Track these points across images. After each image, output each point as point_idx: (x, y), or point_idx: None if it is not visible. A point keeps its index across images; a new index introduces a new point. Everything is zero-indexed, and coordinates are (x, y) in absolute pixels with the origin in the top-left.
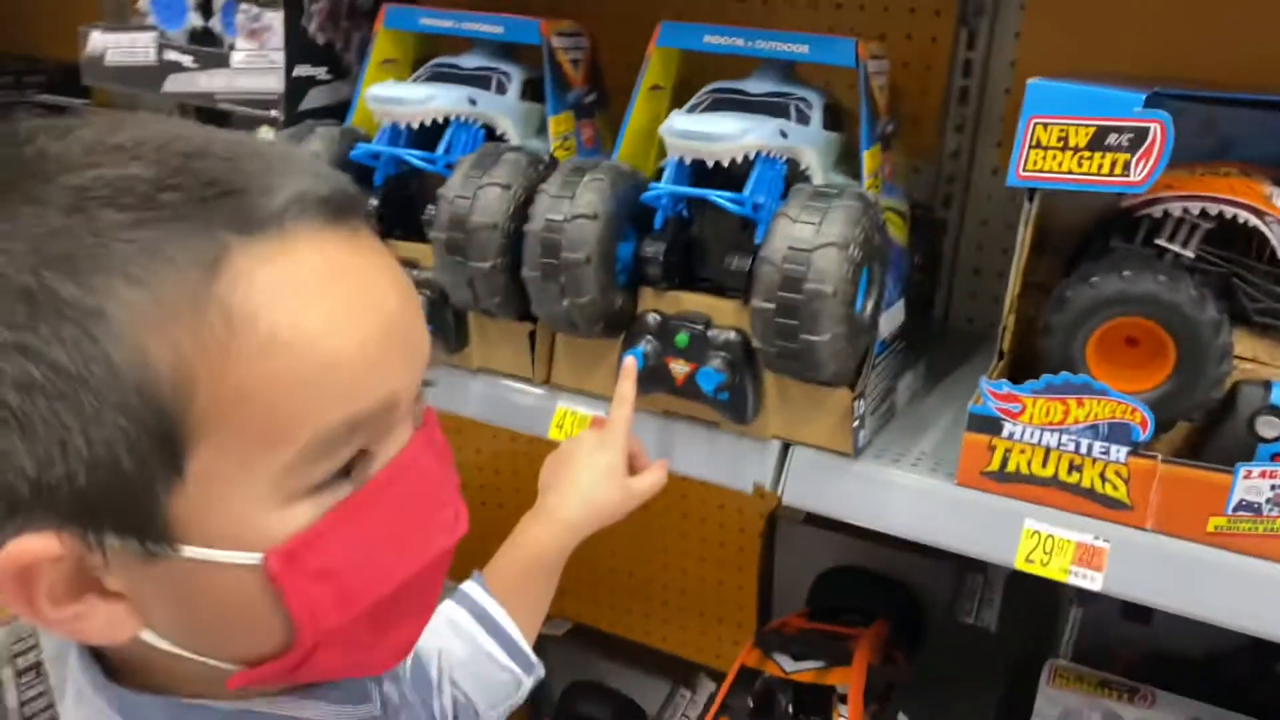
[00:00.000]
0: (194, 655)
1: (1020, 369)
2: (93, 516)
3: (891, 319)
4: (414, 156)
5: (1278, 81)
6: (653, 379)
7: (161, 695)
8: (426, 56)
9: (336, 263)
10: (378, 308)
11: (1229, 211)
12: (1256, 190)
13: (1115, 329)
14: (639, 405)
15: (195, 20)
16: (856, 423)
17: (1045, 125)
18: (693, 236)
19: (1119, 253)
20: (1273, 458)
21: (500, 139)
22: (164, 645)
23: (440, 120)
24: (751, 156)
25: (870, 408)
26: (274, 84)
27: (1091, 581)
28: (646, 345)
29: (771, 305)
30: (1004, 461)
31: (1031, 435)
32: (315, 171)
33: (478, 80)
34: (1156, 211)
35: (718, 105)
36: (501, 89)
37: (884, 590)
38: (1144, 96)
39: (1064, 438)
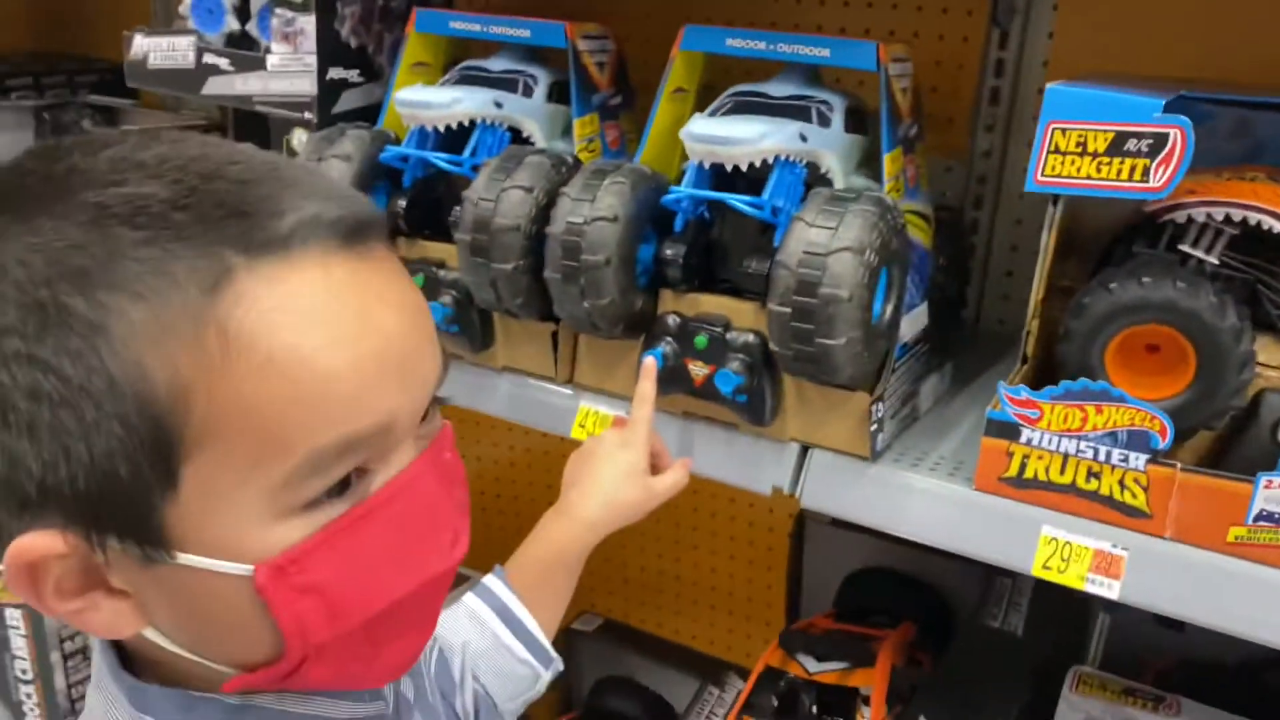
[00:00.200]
0: (191, 656)
1: (1047, 374)
2: (94, 519)
3: (913, 322)
4: (440, 159)
5: None
6: (672, 380)
7: (171, 687)
8: (457, 59)
9: (340, 285)
10: (377, 331)
11: (1253, 217)
12: None
13: (1135, 336)
14: (659, 406)
15: (233, 24)
16: (874, 426)
17: (1064, 130)
18: (713, 239)
19: (1140, 258)
20: None
21: (526, 141)
22: (164, 644)
23: (467, 123)
24: (771, 160)
25: (890, 411)
26: (308, 87)
27: (1109, 589)
28: (666, 346)
29: (787, 309)
30: (1022, 467)
31: (1050, 441)
32: (330, 194)
33: (504, 83)
34: (1180, 217)
35: (739, 108)
36: (528, 92)
37: (911, 592)
38: (1163, 102)
39: (1082, 444)
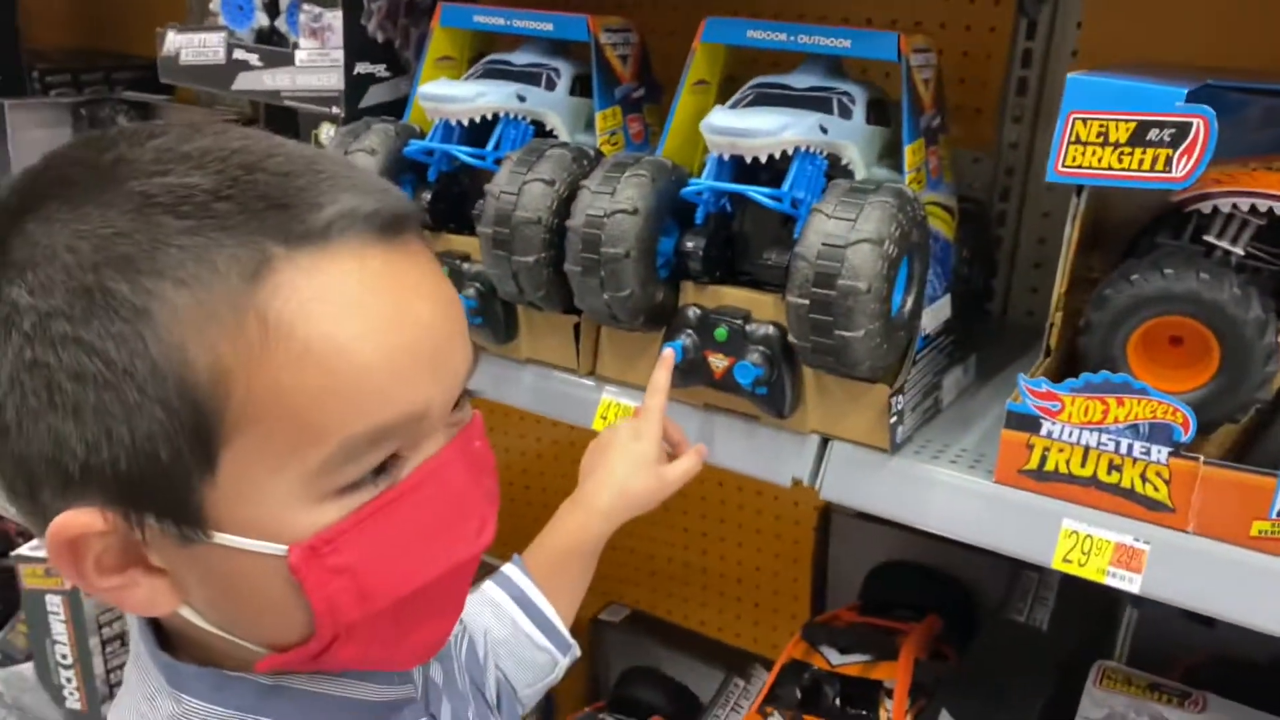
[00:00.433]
0: (226, 635)
1: (1074, 367)
2: (134, 499)
3: (935, 314)
4: (463, 153)
5: None
6: (692, 372)
7: (207, 666)
8: (482, 53)
9: (376, 277)
10: (411, 323)
11: None
12: None
13: (1158, 328)
14: (679, 397)
15: (262, 20)
16: (894, 418)
17: (1085, 120)
18: (734, 231)
19: (1164, 249)
20: None
21: (549, 135)
22: (199, 622)
23: (490, 117)
24: (790, 152)
25: (911, 403)
26: (335, 82)
27: (1130, 583)
28: (686, 339)
29: (806, 301)
30: (1043, 460)
31: (1071, 434)
32: (367, 188)
33: (528, 77)
34: (1205, 207)
35: (761, 100)
36: (551, 85)
37: (936, 586)
38: (1186, 91)
39: (1104, 437)
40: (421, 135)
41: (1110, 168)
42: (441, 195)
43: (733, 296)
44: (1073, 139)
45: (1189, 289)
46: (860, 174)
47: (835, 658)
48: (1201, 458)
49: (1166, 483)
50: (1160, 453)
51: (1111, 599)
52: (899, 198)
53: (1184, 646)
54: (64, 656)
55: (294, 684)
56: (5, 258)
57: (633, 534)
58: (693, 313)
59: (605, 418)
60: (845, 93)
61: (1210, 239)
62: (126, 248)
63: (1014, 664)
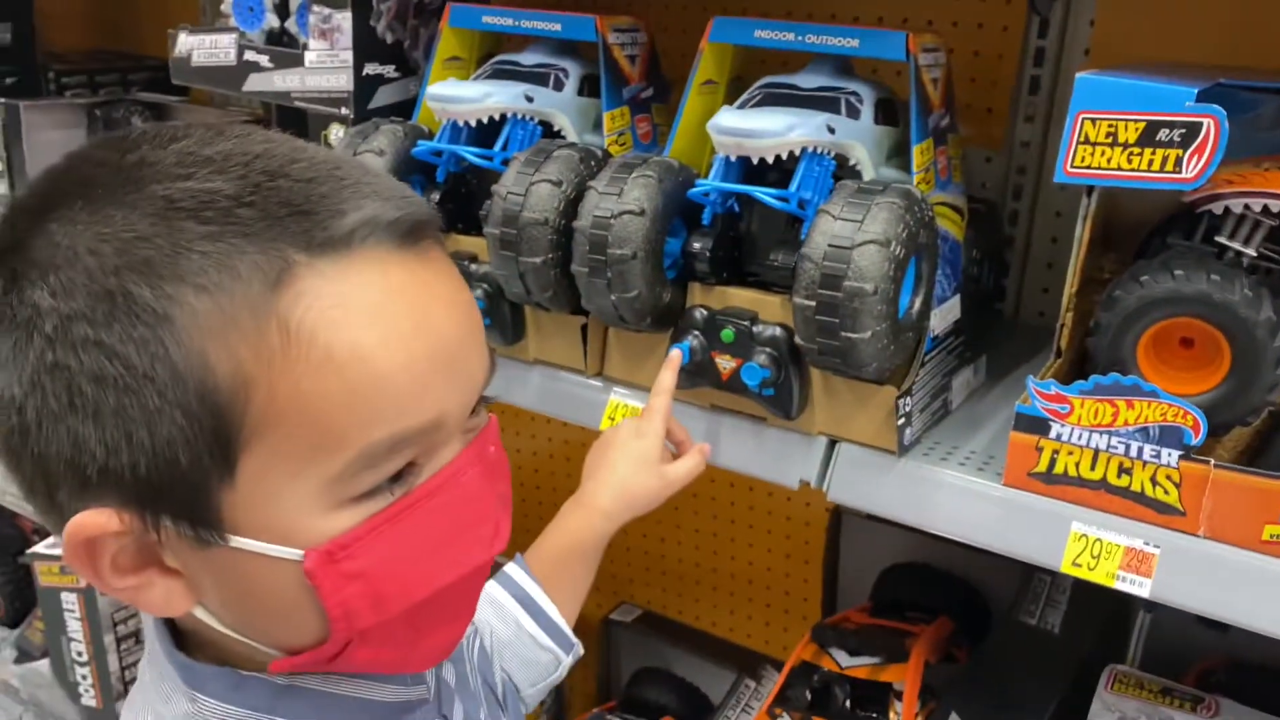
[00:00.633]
0: (240, 636)
1: (1085, 368)
2: (152, 501)
3: (944, 315)
4: (471, 154)
5: None
6: (699, 373)
7: (222, 665)
8: (491, 54)
9: (397, 285)
10: (431, 331)
11: None
12: None
13: (1168, 329)
14: (686, 398)
15: (273, 21)
16: (902, 420)
17: (1094, 120)
18: (742, 232)
19: (1175, 250)
20: None
21: (558, 135)
22: (214, 623)
23: (498, 117)
24: (797, 153)
25: (919, 404)
26: (344, 82)
27: (1140, 587)
28: (693, 340)
29: (812, 303)
30: (1051, 463)
31: (1080, 437)
32: (389, 195)
33: (536, 77)
34: (1217, 208)
35: (768, 100)
36: (559, 85)
37: (948, 588)
38: (1196, 91)
39: (1113, 440)
40: (430, 136)
41: (1119, 168)
42: (449, 196)
43: (740, 298)
44: (1081, 139)
45: (1199, 290)
46: (868, 174)
47: (845, 659)
48: (1212, 461)
49: (1177, 486)
50: (1170, 456)
51: (1124, 603)
52: (906, 198)
53: (1197, 651)
54: (79, 653)
55: (308, 684)
56: (27, 256)
57: (645, 535)
58: (700, 314)
59: (612, 418)
60: (853, 93)
61: (1222, 240)
62: (148, 252)
63: (1025, 667)
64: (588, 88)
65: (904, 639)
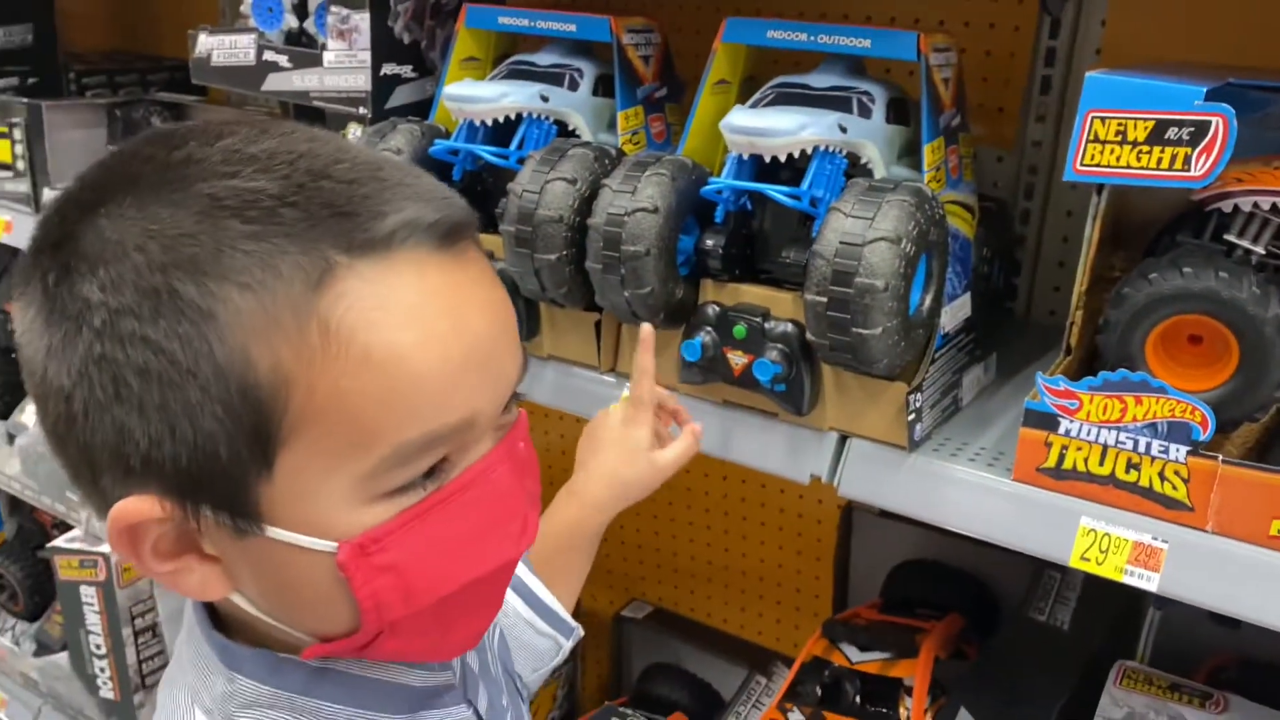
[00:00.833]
0: (274, 622)
1: (1095, 365)
2: (192, 491)
3: (954, 313)
4: (487, 152)
5: None
6: (711, 369)
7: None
8: (507, 54)
9: (434, 286)
10: (466, 331)
11: None
12: None
13: (1177, 326)
14: (699, 394)
15: (291, 22)
16: (913, 416)
17: (1103, 119)
18: (754, 229)
19: (1183, 248)
20: None
21: (572, 134)
22: (249, 608)
23: (514, 117)
24: (809, 151)
25: (929, 401)
26: (362, 82)
27: (1148, 582)
28: (705, 336)
29: (823, 299)
30: (1060, 458)
31: (1089, 432)
32: (429, 196)
33: (551, 77)
34: (1226, 206)
35: (781, 100)
36: (574, 85)
37: (958, 585)
38: (1205, 89)
39: (1122, 436)
40: (446, 135)
41: (1129, 166)
42: (466, 194)
43: (752, 294)
44: (1091, 137)
45: (1207, 287)
46: (879, 173)
47: (855, 655)
48: (1220, 456)
49: (1185, 481)
50: (1179, 451)
51: (1134, 600)
52: (917, 196)
53: (1207, 648)
54: (98, 646)
55: (341, 668)
56: (77, 249)
57: (656, 532)
58: (712, 310)
59: None
60: (865, 92)
61: (1231, 238)
62: (193, 249)
63: (1034, 663)
64: (602, 88)
65: (914, 635)
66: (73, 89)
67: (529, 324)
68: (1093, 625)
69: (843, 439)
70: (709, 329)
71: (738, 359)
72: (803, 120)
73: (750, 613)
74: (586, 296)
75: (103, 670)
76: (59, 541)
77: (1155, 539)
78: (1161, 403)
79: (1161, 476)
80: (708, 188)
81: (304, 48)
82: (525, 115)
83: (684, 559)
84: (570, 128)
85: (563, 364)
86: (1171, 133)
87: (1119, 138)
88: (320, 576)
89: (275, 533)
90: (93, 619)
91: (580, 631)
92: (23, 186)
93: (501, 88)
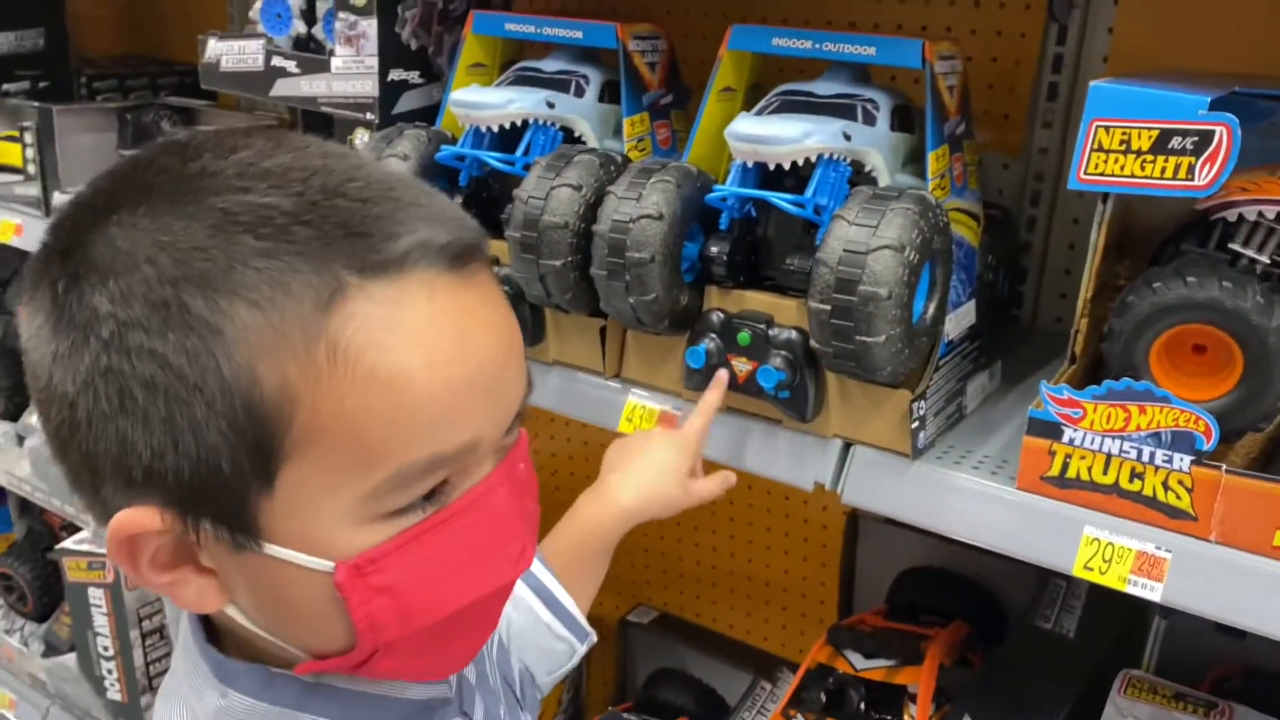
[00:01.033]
0: (268, 637)
1: (1100, 374)
2: (193, 504)
3: (959, 320)
4: (493, 158)
5: None
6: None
7: (252, 662)
8: (513, 60)
9: (444, 309)
10: (473, 355)
11: None
12: None
13: (1181, 335)
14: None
15: (300, 28)
16: (916, 423)
17: (1107, 128)
18: (758, 236)
19: (1188, 257)
20: None
21: (578, 141)
22: (245, 622)
23: (520, 123)
24: (814, 159)
25: (933, 408)
26: (369, 88)
27: (1151, 591)
28: (710, 343)
29: (827, 307)
30: (1064, 467)
31: (1092, 441)
32: (441, 218)
33: (557, 84)
34: (1231, 215)
35: (785, 107)
36: (580, 92)
37: (964, 592)
38: (1209, 99)
39: (1125, 445)
40: (453, 141)
41: (1132, 175)
42: (472, 200)
43: (756, 301)
44: (1095, 146)
45: (1211, 297)
46: (884, 180)
47: (860, 662)
48: (1224, 466)
49: (1189, 491)
50: (1182, 461)
51: (1139, 609)
52: (921, 204)
53: (1212, 658)
54: (105, 648)
55: (336, 683)
56: (86, 256)
57: (662, 537)
58: (716, 317)
59: (630, 420)
60: (870, 99)
61: (1235, 247)
62: (204, 264)
63: (1039, 671)
64: (608, 94)
65: (919, 642)
66: (83, 93)
67: (534, 330)
68: (1098, 634)
69: (846, 446)
70: (713, 336)
71: (742, 366)
72: (807, 128)
73: (756, 618)
74: (591, 302)
75: (110, 672)
76: (67, 543)
77: (1159, 549)
78: (1165, 412)
79: (1165, 486)
80: (713, 195)
81: (312, 53)
82: (531, 121)
83: (690, 564)
84: (576, 134)
85: (567, 369)
86: (1175, 142)
87: (1123, 147)
88: (317, 594)
89: (273, 549)
90: (100, 621)
91: (594, 637)
92: (33, 190)
93: (508, 94)
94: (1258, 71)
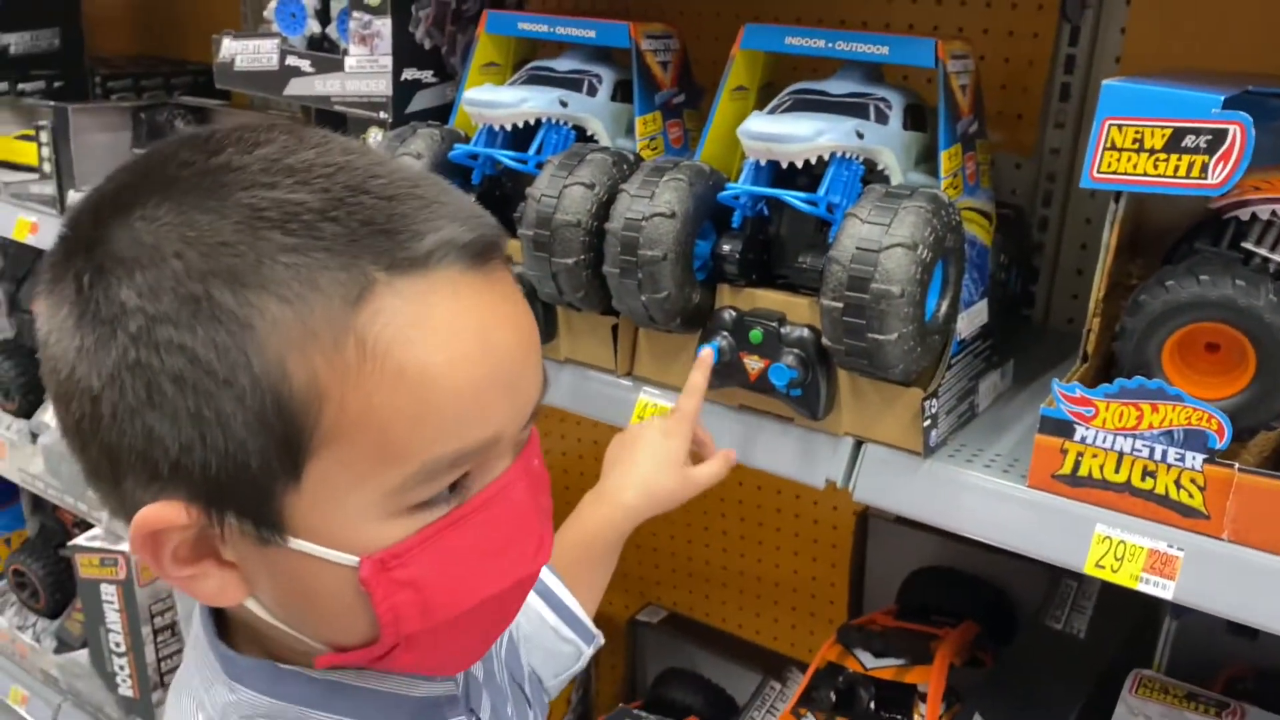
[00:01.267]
0: (287, 630)
1: (1112, 373)
2: (218, 499)
3: (971, 319)
4: (506, 157)
5: None
6: (727, 374)
7: (264, 658)
8: (527, 60)
9: (467, 306)
10: (495, 352)
11: None
12: None
13: (1194, 334)
14: (714, 398)
15: (314, 27)
16: (928, 422)
17: (1120, 127)
18: (771, 235)
19: (1201, 256)
20: None
21: (591, 140)
22: (264, 616)
23: (533, 122)
24: (826, 157)
25: (945, 407)
26: (383, 87)
27: (1163, 590)
28: (722, 340)
29: (839, 304)
30: (1076, 465)
31: (1104, 440)
32: (464, 216)
33: (570, 83)
34: (1244, 214)
35: (798, 106)
36: (593, 91)
37: (974, 591)
38: (1223, 97)
39: (1137, 443)
40: (466, 140)
41: (1146, 174)
42: (485, 198)
43: (768, 299)
44: (1108, 145)
45: (1224, 295)
46: (896, 179)
47: (870, 661)
48: (1237, 465)
49: (1201, 489)
50: (1195, 459)
51: (1151, 609)
52: (933, 203)
53: (1224, 658)
54: (117, 644)
55: (344, 679)
56: (112, 252)
57: (672, 537)
58: (728, 315)
59: (641, 418)
60: (882, 98)
61: (1248, 246)
62: (233, 260)
63: (1050, 671)
64: (621, 93)
65: (929, 641)
66: (98, 92)
67: (546, 328)
68: (1109, 634)
69: (858, 444)
70: (725, 334)
71: (754, 364)
72: (820, 126)
73: (765, 618)
74: (604, 301)
75: (122, 668)
76: (80, 540)
77: (1171, 547)
78: (1178, 410)
79: (1177, 484)
80: (725, 193)
81: (326, 53)
82: (544, 120)
83: (699, 564)
84: (589, 133)
85: (579, 368)
86: (1189, 140)
87: (1136, 145)
88: (340, 588)
89: (298, 544)
90: (113, 617)
91: (601, 639)
92: (49, 189)
93: (521, 93)
94: (1271, 71)
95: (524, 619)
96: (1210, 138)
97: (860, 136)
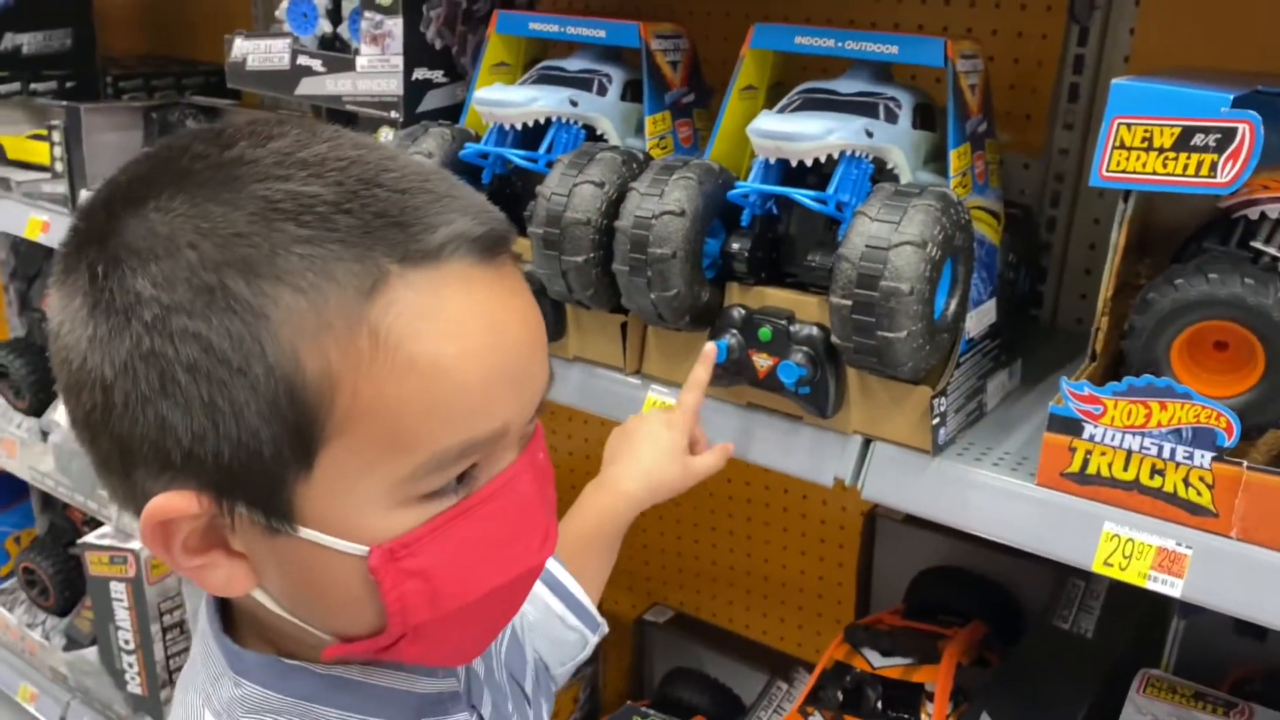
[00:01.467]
0: (296, 621)
1: (1120, 372)
2: (229, 488)
3: (979, 318)
4: (517, 156)
5: None
6: (736, 371)
7: (268, 651)
8: (537, 59)
9: (477, 299)
10: (504, 344)
11: None
12: None
13: (1203, 332)
14: (723, 395)
15: (325, 27)
16: (937, 420)
17: (1129, 126)
18: (780, 233)
19: (1209, 254)
20: None
21: (600, 139)
22: (272, 606)
23: (543, 121)
24: (836, 156)
25: (954, 405)
26: (394, 87)
27: (1171, 588)
28: (731, 338)
29: (849, 302)
30: (1084, 463)
31: (1113, 438)
32: (475, 210)
33: (580, 82)
34: (1253, 213)
35: (808, 105)
36: (602, 90)
37: (981, 591)
38: (1232, 96)
39: (1146, 441)
40: (477, 139)
41: (1155, 173)
42: (495, 197)
43: (777, 297)
44: (1117, 144)
45: (1233, 293)
46: (905, 178)
47: (877, 660)
48: (1245, 463)
49: (1210, 487)
50: (1203, 457)
51: (1159, 609)
52: (943, 201)
53: (1232, 659)
54: (126, 642)
55: (349, 675)
56: (126, 242)
57: (679, 536)
58: (738, 313)
59: None
60: (892, 98)
61: (1258, 245)
62: (247, 250)
63: (1057, 670)
64: (630, 93)
65: (937, 641)
66: (109, 92)
67: (555, 326)
68: (1117, 634)
69: (867, 442)
70: (734, 332)
71: (763, 361)
72: (829, 125)
73: (772, 618)
74: (613, 298)
75: (131, 665)
76: (90, 538)
77: (1179, 545)
78: (1186, 408)
79: (1186, 482)
80: (734, 191)
81: (337, 52)
82: (554, 120)
83: (706, 564)
84: (599, 132)
85: (588, 365)
86: (1198, 139)
87: (1145, 144)
88: (349, 578)
89: (308, 533)
90: (122, 615)
91: (605, 627)
92: (60, 188)
93: (531, 92)
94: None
95: (530, 607)
96: (1219, 136)
97: (869, 135)
